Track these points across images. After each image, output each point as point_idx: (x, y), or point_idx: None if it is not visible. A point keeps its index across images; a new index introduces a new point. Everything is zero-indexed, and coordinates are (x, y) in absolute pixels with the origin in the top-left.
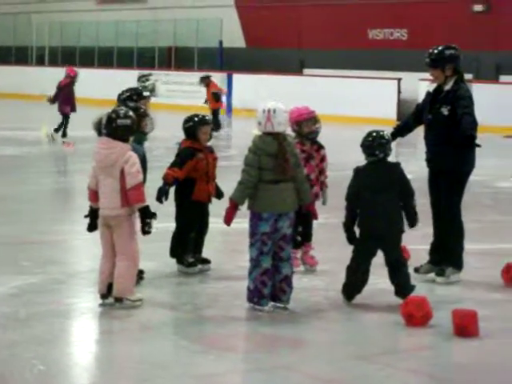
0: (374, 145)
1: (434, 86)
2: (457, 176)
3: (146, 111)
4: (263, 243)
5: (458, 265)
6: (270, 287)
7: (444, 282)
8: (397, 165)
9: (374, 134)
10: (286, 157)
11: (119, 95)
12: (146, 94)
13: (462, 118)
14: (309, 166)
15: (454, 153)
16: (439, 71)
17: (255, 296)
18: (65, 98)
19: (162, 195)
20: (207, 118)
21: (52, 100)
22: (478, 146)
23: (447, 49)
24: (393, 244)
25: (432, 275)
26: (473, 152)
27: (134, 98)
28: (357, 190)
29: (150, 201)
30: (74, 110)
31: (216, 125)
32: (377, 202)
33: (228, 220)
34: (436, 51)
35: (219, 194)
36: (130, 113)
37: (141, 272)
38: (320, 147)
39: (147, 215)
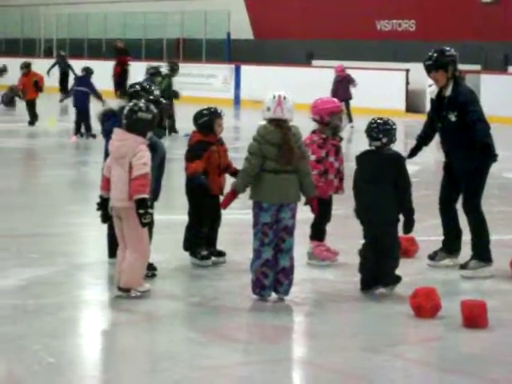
0: (379, 129)
1: (435, 91)
2: (478, 173)
3: (167, 106)
4: (264, 234)
5: (482, 257)
6: (271, 278)
7: (468, 275)
8: (394, 155)
9: (379, 120)
10: (291, 145)
11: (130, 87)
12: (156, 92)
13: (475, 126)
14: (339, 158)
15: (471, 154)
16: (442, 73)
17: (257, 287)
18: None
19: (205, 184)
20: (220, 110)
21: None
22: (495, 156)
23: (446, 51)
24: (382, 232)
25: (445, 262)
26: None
27: (141, 93)
28: (355, 178)
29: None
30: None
31: (33, 116)
32: (368, 191)
33: (223, 204)
34: (436, 54)
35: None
36: (152, 107)
37: (153, 268)
38: (340, 139)
39: (141, 207)
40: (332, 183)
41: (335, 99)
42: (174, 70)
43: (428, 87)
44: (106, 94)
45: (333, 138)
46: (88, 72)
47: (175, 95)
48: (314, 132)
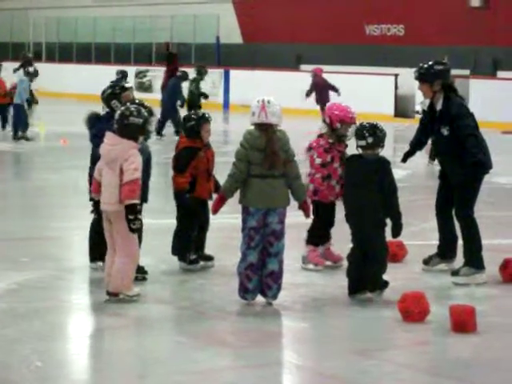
0: (366, 129)
1: (426, 102)
2: (470, 183)
3: (151, 110)
4: (250, 238)
5: (474, 264)
6: (255, 282)
7: (460, 282)
8: (379, 160)
9: (368, 123)
10: (274, 150)
11: (102, 93)
12: (128, 85)
13: (466, 141)
14: (343, 164)
15: (464, 166)
16: (427, 86)
17: (241, 290)
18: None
19: (189, 205)
20: (207, 115)
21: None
22: (487, 169)
23: (436, 64)
24: (369, 237)
25: (440, 267)
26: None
27: (117, 91)
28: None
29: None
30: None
31: (4, 120)
32: (355, 195)
33: (214, 209)
34: (425, 66)
35: (217, 189)
36: (144, 112)
37: (144, 272)
38: (345, 146)
39: (131, 212)
40: (333, 189)
41: (351, 109)
42: (201, 73)
43: (422, 98)
44: (98, 99)
45: (339, 144)
46: (124, 75)
47: (204, 96)
48: (320, 136)
